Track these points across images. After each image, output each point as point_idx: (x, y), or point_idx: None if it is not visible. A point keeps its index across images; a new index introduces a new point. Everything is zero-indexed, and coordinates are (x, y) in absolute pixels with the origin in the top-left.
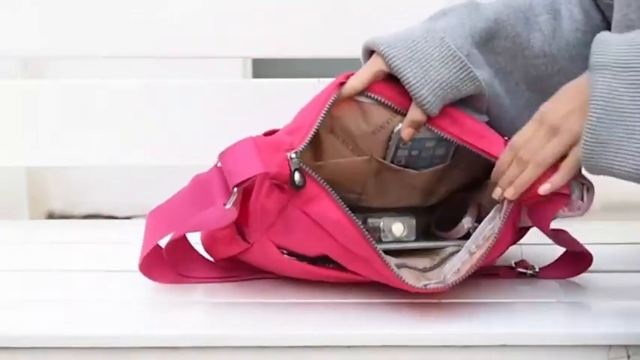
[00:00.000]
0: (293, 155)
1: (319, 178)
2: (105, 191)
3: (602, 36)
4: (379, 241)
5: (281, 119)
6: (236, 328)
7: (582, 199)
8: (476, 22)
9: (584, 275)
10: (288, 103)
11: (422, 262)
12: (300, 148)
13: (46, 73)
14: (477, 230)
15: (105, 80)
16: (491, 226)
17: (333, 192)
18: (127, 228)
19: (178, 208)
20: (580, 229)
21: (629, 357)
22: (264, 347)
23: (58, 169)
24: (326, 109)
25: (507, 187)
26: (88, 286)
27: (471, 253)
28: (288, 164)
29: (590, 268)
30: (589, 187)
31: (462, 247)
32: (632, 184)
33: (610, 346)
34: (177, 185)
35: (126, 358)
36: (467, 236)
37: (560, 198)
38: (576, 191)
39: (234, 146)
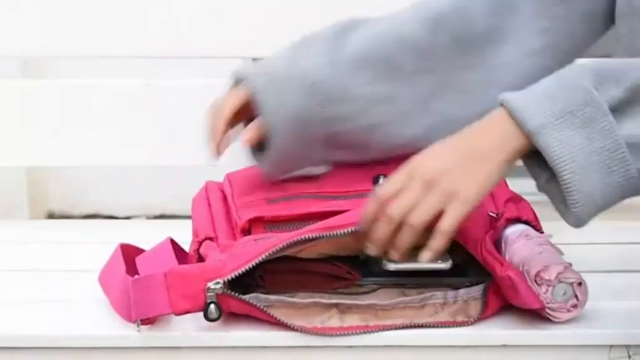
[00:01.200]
0: (213, 285)
1: (251, 300)
2: (105, 191)
3: (515, 101)
4: (368, 274)
5: None
6: (236, 328)
7: (576, 297)
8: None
9: (583, 275)
10: None
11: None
12: (227, 278)
13: (46, 73)
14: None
15: (105, 80)
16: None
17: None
18: (126, 228)
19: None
20: (580, 228)
21: (630, 357)
22: (265, 347)
23: (58, 169)
24: (275, 250)
25: (379, 246)
26: (88, 286)
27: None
28: (204, 296)
29: (591, 268)
30: (580, 282)
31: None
32: None
33: (611, 346)
34: (177, 185)
35: (125, 358)
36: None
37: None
38: (565, 293)
39: (144, 278)
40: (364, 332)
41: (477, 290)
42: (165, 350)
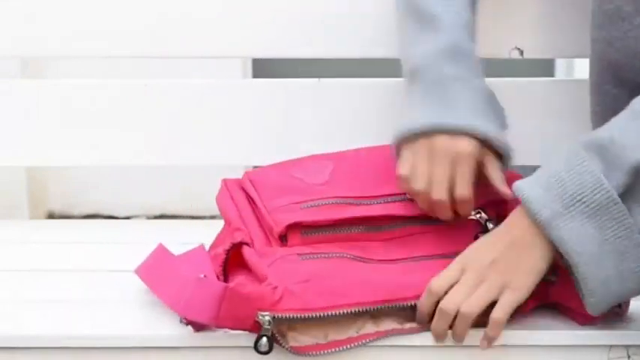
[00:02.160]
0: (263, 316)
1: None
2: (105, 191)
3: (524, 191)
4: None
5: (281, 119)
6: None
7: (619, 305)
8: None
9: None
10: (288, 103)
11: None
12: (281, 315)
13: (46, 73)
14: None
15: (105, 80)
16: None
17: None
18: (126, 228)
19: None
20: None
21: (629, 357)
22: None
23: (58, 169)
24: (338, 312)
25: (439, 336)
26: (87, 286)
27: None
28: (259, 325)
29: None
30: None
31: None
32: None
33: (610, 347)
34: (177, 185)
35: (126, 358)
36: None
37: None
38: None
39: (207, 282)
40: (399, 335)
41: None
42: (166, 350)
